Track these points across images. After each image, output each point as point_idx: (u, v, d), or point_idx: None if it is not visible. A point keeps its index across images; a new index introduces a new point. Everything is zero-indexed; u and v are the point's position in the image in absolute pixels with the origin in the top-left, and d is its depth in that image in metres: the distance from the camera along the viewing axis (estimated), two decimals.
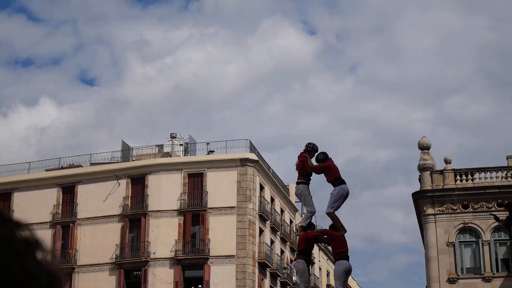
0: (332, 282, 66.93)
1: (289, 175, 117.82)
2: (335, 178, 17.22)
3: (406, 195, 73.80)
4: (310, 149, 17.61)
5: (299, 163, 17.59)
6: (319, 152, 17.59)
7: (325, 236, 17.73)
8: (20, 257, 1.28)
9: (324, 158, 17.43)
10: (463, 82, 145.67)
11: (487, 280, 41.20)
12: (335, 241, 17.03)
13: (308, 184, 17.58)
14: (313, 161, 17.55)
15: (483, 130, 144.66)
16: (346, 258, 16.71)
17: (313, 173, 17.62)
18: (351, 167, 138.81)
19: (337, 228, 16.93)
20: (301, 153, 17.67)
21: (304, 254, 17.48)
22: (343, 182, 17.22)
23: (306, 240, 17.24)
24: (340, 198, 17.06)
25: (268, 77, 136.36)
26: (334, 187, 17.21)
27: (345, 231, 17.03)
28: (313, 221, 18.00)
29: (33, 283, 1.27)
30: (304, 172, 17.50)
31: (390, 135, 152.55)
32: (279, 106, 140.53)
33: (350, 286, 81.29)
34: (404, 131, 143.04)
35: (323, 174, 17.60)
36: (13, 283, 1.25)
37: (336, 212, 17.16)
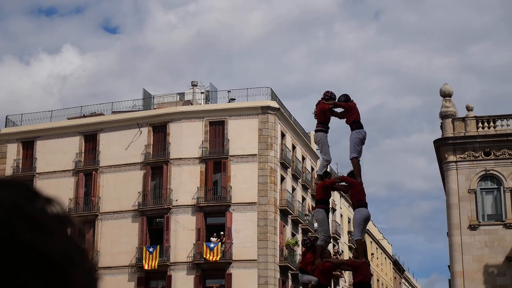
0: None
1: (311, 123, 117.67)
2: (353, 120, 17.15)
3: (429, 142, 73.50)
4: (328, 97, 17.59)
5: (318, 110, 17.56)
6: (340, 94, 17.58)
7: (343, 183, 17.76)
8: (52, 234, 1.24)
9: (346, 100, 17.40)
10: (487, 29, 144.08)
11: (508, 227, 41.19)
12: (353, 188, 17.07)
13: (326, 132, 17.57)
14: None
15: (507, 77, 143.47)
16: (365, 205, 16.76)
17: (334, 114, 17.57)
18: (374, 114, 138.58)
19: (356, 176, 16.95)
20: (319, 101, 17.66)
21: (322, 203, 17.54)
22: (361, 126, 17.19)
23: (324, 188, 17.27)
24: (360, 143, 17.07)
25: (292, 25, 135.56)
26: (351, 130, 17.18)
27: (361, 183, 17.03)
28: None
29: (65, 261, 1.24)
30: (323, 120, 17.47)
31: (413, 82, 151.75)
32: (302, 54, 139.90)
33: (370, 232, 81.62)
34: (428, 78, 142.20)
35: (343, 119, 17.54)
36: (46, 261, 1.22)
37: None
